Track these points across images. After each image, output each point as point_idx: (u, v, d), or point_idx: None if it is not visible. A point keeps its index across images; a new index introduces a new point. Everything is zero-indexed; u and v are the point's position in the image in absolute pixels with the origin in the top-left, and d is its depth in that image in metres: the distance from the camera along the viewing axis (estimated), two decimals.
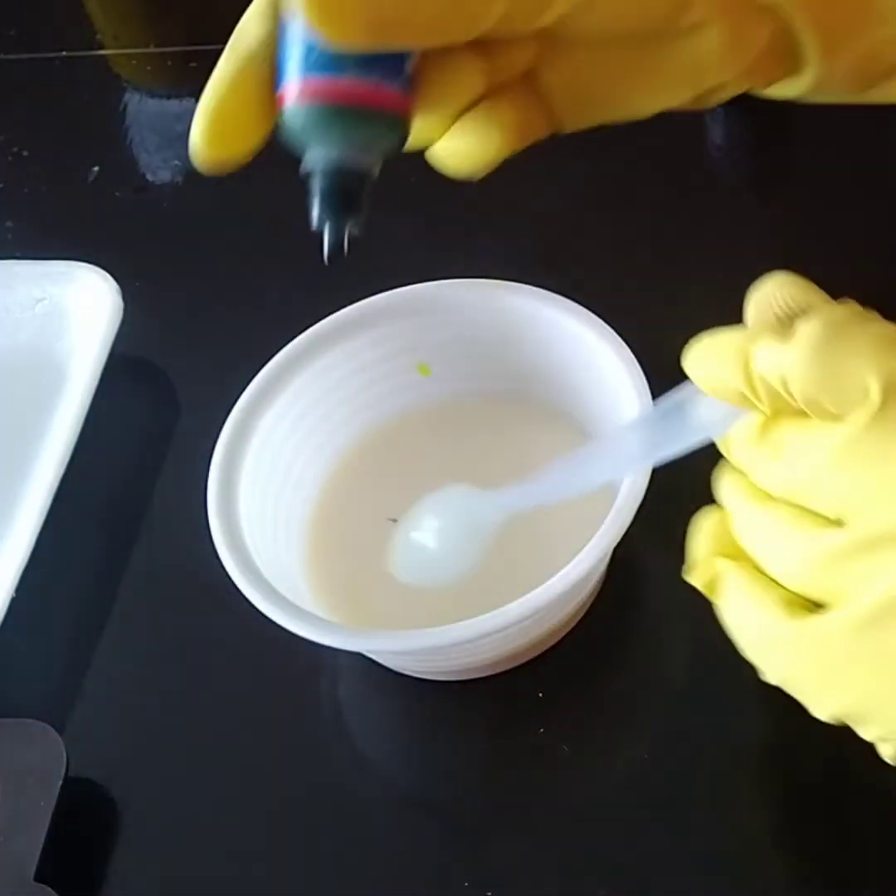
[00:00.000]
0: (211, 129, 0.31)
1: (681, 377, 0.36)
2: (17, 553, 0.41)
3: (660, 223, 0.50)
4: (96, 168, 0.56)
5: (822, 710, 0.28)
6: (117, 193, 0.55)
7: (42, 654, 0.42)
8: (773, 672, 0.29)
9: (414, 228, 0.50)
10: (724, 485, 0.30)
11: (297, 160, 0.34)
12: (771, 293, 0.29)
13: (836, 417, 0.27)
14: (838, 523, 0.27)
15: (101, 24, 0.63)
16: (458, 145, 0.33)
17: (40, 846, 0.35)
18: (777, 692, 0.28)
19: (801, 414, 0.27)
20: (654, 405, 0.32)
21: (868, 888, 0.34)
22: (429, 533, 0.36)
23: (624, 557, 0.36)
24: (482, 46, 0.31)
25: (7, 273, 0.50)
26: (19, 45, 0.62)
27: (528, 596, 0.34)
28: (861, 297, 0.45)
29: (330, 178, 0.31)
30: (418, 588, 0.39)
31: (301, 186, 0.34)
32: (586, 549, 0.34)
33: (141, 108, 0.59)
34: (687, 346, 0.31)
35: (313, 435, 0.41)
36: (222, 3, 0.65)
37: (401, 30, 0.29)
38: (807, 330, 0.27)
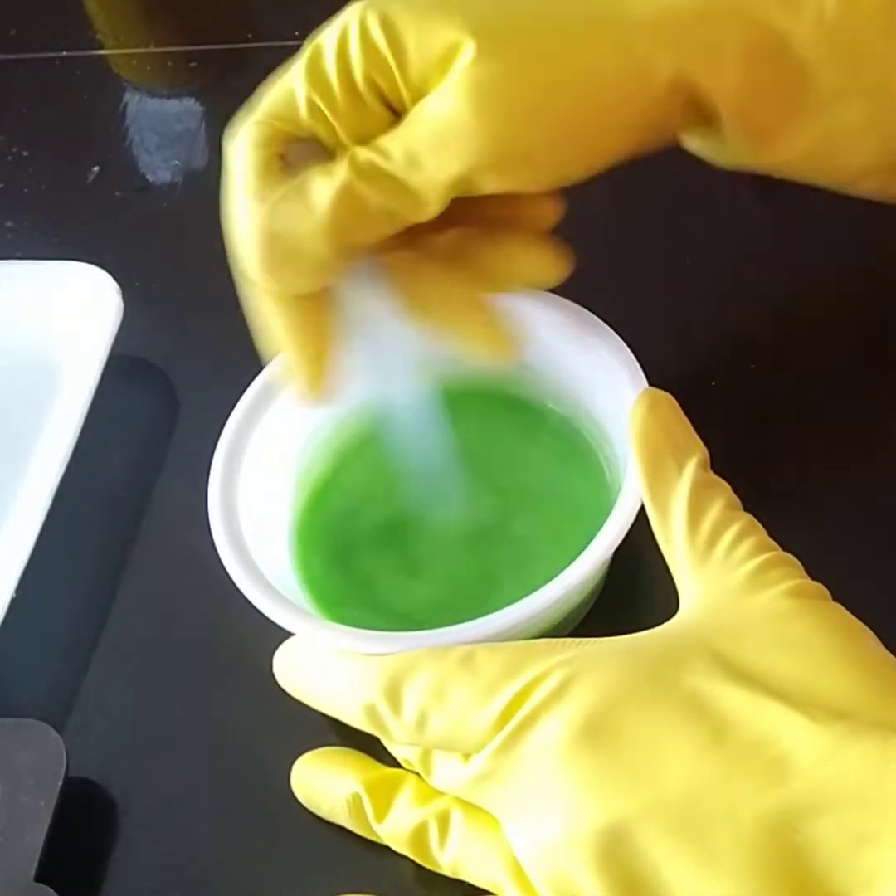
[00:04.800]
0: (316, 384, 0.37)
1: (678, 378, 0.37)
2: (17, 553, 0.41)
3: (659, 223, 0.50)
4: (96, 168, 0.56)
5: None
6: (117, 193, 0.55)
7: (42, 654, 0.42)
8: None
9: None
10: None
11: None
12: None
13: (466, 756, 0.31)
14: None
15: (101, 24, 0.63)
16: None
17: (40, 846, 0.34)
18: None
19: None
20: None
21: None
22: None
23: (624, 558, 0.36)
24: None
25: (7, 273, 0.49)
26: (19, 45, 0.62)
27: (528, 599, 0.33)
28: (860, 298, 0.46)
29: None
30: (418, 587, 0.39)
31: None
32: (586, 551, 0.34)
33: (141, 108, 0.59)
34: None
35: (315, 435, 0.41)
36: (222, 3, 0.65)
37: None
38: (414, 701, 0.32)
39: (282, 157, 0.35)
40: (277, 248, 0.34)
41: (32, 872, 0.34)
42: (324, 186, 0.34)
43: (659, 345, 0.39)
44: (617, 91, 0.34)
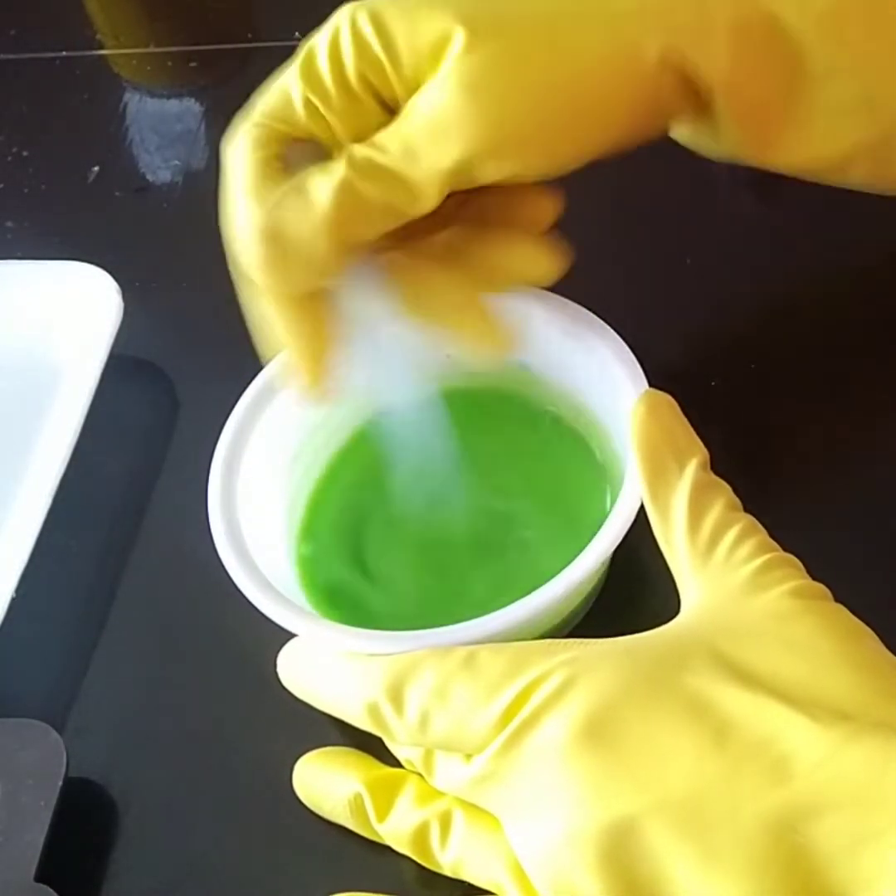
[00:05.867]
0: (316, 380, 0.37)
1: (678, 378, 0.37)
2: (18, 553, 0.41)
3: (659, 223, 0.50)
4: (96, 168, 0.56)
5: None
6: (117, 193, 0.55)
7: (42, 654, 0.42)
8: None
9: None
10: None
11: None
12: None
13: (468, 756, 0.31)
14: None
15: (101, 24, 0.63)
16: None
17: (40, 846, 0.34)
18: None
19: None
20: None
21: None
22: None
23: (624, 558, 0.36)
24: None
25: (7, 273, 0.50)
26: (19, 45, 0.62)
27: (528, 598, 0.33)
28: (860, 298, 0.46)
29: None
30: (419, 587, 0.39)
31: None
32: (586, 551, 0.34)
33: (141, 108, 0.59)
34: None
35: (315, 435, 0.41)
36: (222, 3, 0.65)
37: None
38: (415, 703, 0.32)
39: (280, 158, 0.35)
40: (278, 247, 0.34)
41: (32, 872, 0.34)
42: (323, 184, 0.34)
43: (659, 345, 0.39)
44: (607, 72, 0.34)
